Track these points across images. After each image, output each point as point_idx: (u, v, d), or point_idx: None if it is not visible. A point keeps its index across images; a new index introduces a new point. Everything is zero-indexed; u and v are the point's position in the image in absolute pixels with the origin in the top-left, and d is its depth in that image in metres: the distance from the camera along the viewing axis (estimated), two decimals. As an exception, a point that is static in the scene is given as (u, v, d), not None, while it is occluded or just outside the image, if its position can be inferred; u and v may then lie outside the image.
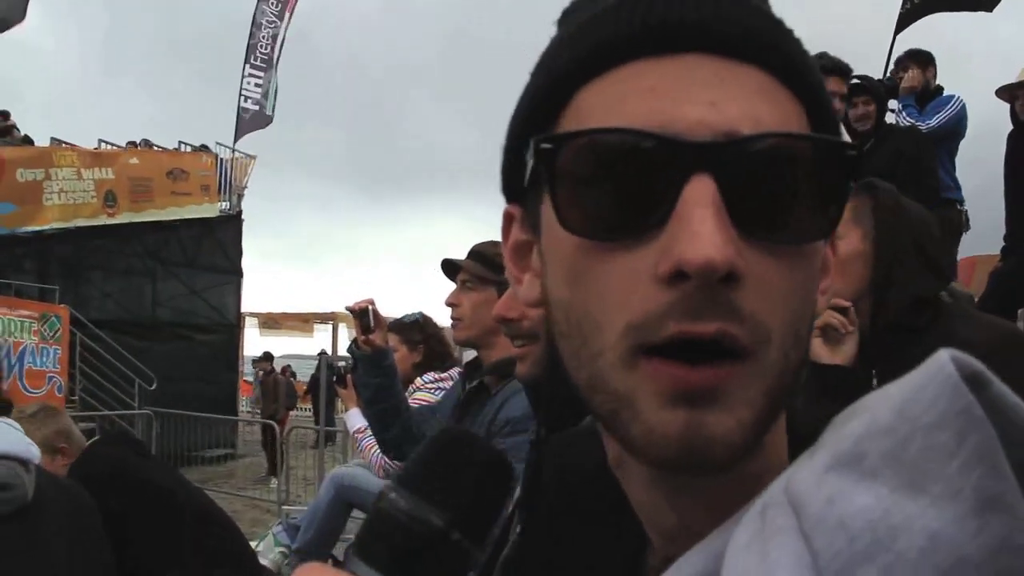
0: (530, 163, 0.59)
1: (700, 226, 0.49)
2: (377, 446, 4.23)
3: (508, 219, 0.70)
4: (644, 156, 0.52)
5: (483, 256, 2.74)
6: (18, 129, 16.64)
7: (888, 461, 0.40)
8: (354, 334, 3.12)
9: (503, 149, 0.67)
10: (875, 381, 2.05)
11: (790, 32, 0.57)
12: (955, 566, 0.37)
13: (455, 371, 4.09)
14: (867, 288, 2.17)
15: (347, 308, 3.11)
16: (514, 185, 0.66)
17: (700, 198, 0.50)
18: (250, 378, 21.73)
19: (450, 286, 2.85)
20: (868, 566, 0.38)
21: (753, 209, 0.52)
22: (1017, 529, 0.38)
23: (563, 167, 0.55)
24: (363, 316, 3.03)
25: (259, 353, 18.85)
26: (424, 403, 3.74)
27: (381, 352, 3.05)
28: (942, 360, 0.41)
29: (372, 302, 3.06)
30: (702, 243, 0.49)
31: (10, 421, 1.93)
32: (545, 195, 0.58)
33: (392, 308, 3.13)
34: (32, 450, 1.91)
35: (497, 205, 0.70)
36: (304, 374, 21.26)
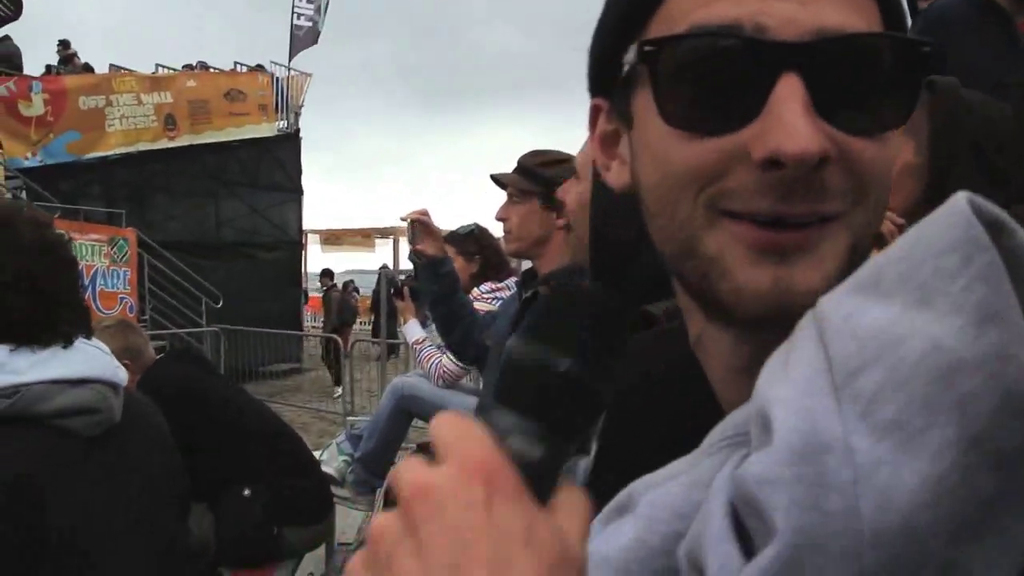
0: (628, 64, 0.64)
1: (794, 119, 0.55)
2: (434, 356, 4.32)
3: (595, 111, 0.75)
4: (738, 55, 0.57)
5: (525, 169, 2.75)
6: (79, 57, 16.82)
7: (901, 283, 0.44)
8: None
9: (591, 48, 0.72)
10: None
11: None
12: (952, 367, 0.41)
13: (512, 280, 4.13)
14: (919, 204, 2.00)
15: (401, 218, 3.15)
16: (602, 81, 0.71)
17: (791, 93, 0.56)
18: (315, 294, 22.09)
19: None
20: (874, 367, 0.43)
21: (839, 102, 0.57)
22: (1012, 340, 0.41)
23: (665, 67, 0.60)
24: (412, 227, 3.08)
25: (321, 269, 19.13)
26: (484, 313, 3.79)
27: (437, 260, 3.09)
28: (957, 199, 0.45)
29: (426, 212, 3.09)
30: (798, 135, 0.55)
31: (99, 344, 1.98)
32: (640, 91, 0.64)
33: (452, 220, 3.13)
34: (120, 373, 1.96)
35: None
36: (367, 289, 21.52)
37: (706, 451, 0.55)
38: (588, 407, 0.53)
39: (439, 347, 4.30)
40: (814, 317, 0.48)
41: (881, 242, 1.81)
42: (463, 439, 0.48)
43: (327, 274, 18.94)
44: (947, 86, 2.01)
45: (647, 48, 0.61)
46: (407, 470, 0.47)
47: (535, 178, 2.71)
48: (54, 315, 1.86)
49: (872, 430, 0.42)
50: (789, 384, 0.46)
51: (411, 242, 3.07)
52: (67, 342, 1.88)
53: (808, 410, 0.44)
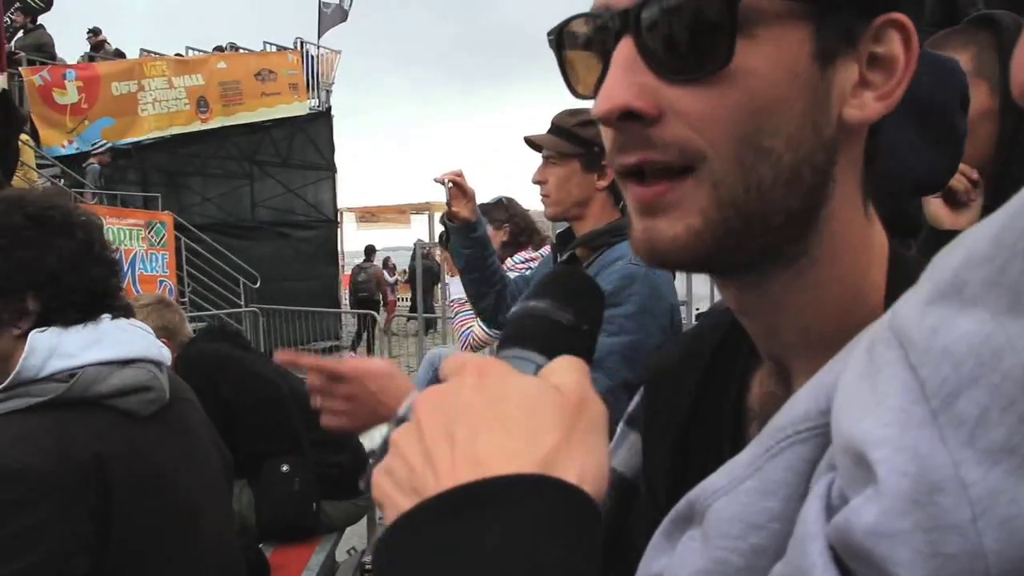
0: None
1: (608, 81, 0.62)
2: (467, 323, 4.30)
3: None
4: (598, 28, 0.65)
5: (562, 129, 2.67)
6: (109, 43, 16.95)
7: (987, 288, 0.40)
8: None
9: None
10: None
11: None
12: None
13: (546, 249, 4.11)
14: (999, 148, 1.90)
15: (435, 179, 3.07)
16: None
17: (617, 56, 0.63)
18: (350, 271, 22.24)
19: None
20: (975, 389, 0.39)
21: (663, 54, 0.61)
22: None
23: (563, 47, 0.71)
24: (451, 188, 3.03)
25: (357, 247, 19.39)
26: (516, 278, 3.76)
27: (469, 223, 3.03)
28: None
29: (460, 173, 3.02)
30: (602, 96, 0.62)
31: (142, 324, 1.99)
32: None
33: (484, 194, 3.14)
34: (164, 352, 1.98)
35: None
36: (404, 264, 21.64)
37: (766, 449, 0.53)
38: (582, 349, 0.64)
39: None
40: (893, 330, 0.44)
41: (954, 197, 1.70)
42: (461, 359, 0.57)
43: (370, 251, 19.15)
44: (1010, 22, 1.91)
45: (549, 36, 0.71)
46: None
47: (574, 139, 2.64)
48: (115, 286, 1.92)
49: (982, 458, 0.39)
50: (884, 416, 0.42)
51: (449, 203, 3.03)
52: (127, 314, 1.92)
53: (912, 448, 0.41)
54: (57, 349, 1.75)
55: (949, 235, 1.80)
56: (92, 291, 1.84)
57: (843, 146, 0.65)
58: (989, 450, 0.39)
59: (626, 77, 0.61)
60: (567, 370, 0.57)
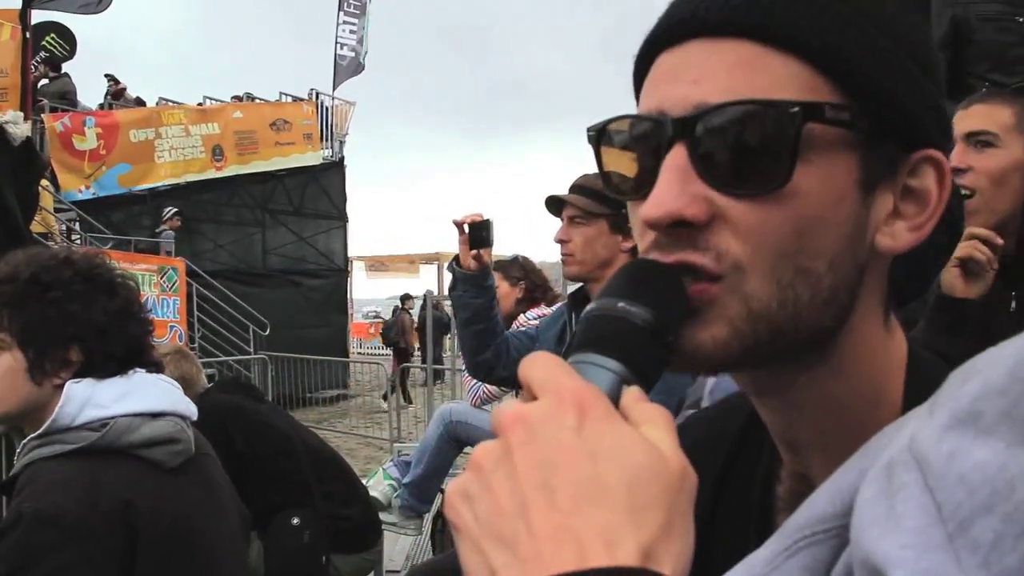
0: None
1: (659, 187, 0.64)
2: (475, 381, 4.31)
3: None
4: (648, 132, 0.67)
5: (590, 190, 2.70)
6: (130, 93, 17.21)
7: (1003, 419, 0.42)
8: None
9: None
10: (1013, 304, 1.93)
11: (855, 27, 0.64)
12: None
13: (560, 306, 4.13)
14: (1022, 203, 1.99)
15: (455, 222, 2.97)
16: None
17: (669, 163, 0.64)
18: (359, 319, 22.26)
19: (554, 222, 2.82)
20: (988, 516, 0.40)
21: (720, 165, 0.63)
22: None
23: (604, 144, 0.72)
24: (476, 229, 2.92)
25: (366, 295, 19.53)
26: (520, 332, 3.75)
27: (484, 271, 2.99)
28: None
29: (482, 216, 2.95)
30: (653, 202, 0.64)
31: (170, 379, 2.05)
32: None
33: (497, 247, 3.00)
34: (191, 407, 2.03)
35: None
36: (412, 314, 21.71)
37: (785, 548, 0.53)
38: (660, 352, 0.61)
39: None
40: (913, 455, 0.46)
41: (975, 268, 1.73)
42: (554, 373, 0.53)
43: (405, 299, 19.61)
44: None
45: (589, 132, 0.73)
46: (506, 407, 0.51)
47: (603, 199, 2.67)
48: (150, 343, 2.00)
49: None
50: (902, 538, 0.43)
51: (477, 245, 2.92)
52: (157, 369, 2.00)
53: (929, 571, 0.41)
54: (91, 399, 1.81)
55: (961, 303, 1.81)
56: (130, 347, 1.92)
57: (871, 268, 0.68)
58: (1003, 574, 0.40)
59: (679, 185, 0.63)
60: (661, 425, 0.52)
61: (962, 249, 1.82)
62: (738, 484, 0.82)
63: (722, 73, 0.64)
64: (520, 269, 4.69)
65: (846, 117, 0.63)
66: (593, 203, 2.69)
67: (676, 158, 0.64)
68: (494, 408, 0.53)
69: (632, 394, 0.55)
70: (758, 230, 0.63)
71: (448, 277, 3.21)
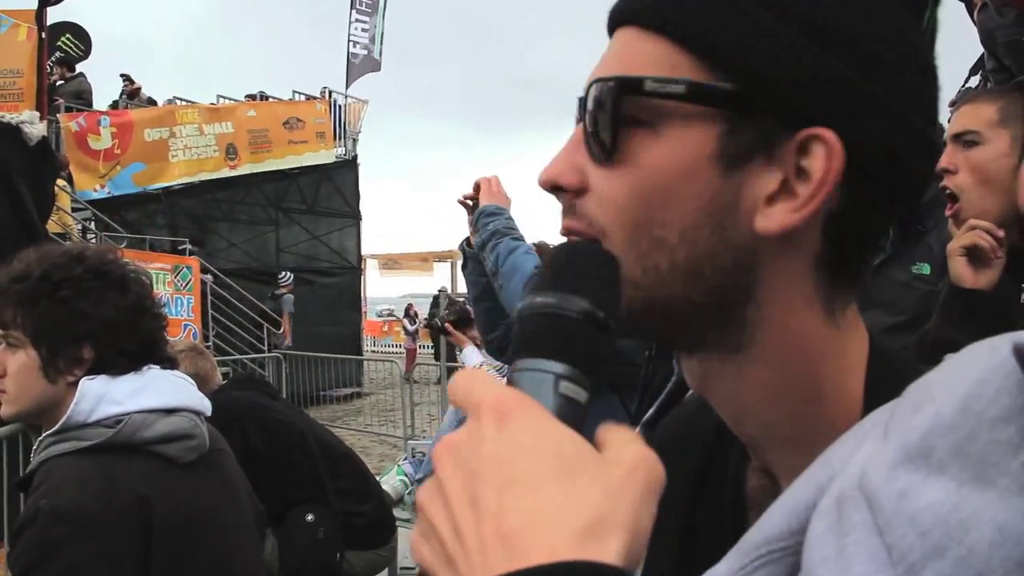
0: None
1: (553, 156, 0.71)
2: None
3: None
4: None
5: None
6: (144, 92, 17.29)
7: (954, 456, 0.41)
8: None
9: None
10: (1023, 297, 1.92)
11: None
12: None
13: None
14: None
15: (459, 201, 2.97)
16: None
17: (571, 136, 0.71)
18: (373, 317, 22.31)
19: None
20: (939, 560, 0.39)
21: (591, 139, 0.68)
22: None
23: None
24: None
25: (381, 294, 19.58)
26: None
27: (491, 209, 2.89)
28: (1003, 353, 0.42)
29: (496, 180, 2.92)
30: (543, 168, 0.71)
31: (184, 375, 2.06)
32: None
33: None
34: (205, 403, 2.04)
35: None
36: (425, 311, 21.76)
37: (741, 567, 0.52)
38: (603, 344, 0.57)
39: (497, 370, 4.30)
40: (863, 493, 0.44)
41: (978, 256, 1.72)
42: (472, 389, 0.52)
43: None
44: None
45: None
46: (441, 440, 0.51)
47: None
48: (163, 338, 2.00)
49: None
50: None
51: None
52: (171, 365, 2.01)
53: None
54: (106, 396, 1.82)
55: (971, 293, 1.81)
56: (143, 342, 1.92)
57: (775, 251, 0.66)
58: None
59: (566, 154, 0.70)
60: (623, 439, 0.51)
61: (965, 237, 1.81)
62: (714, 482, 0.82)
63: (609, 57, 0.70)
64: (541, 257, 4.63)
65: (677, 90, 0.63)
66: None
67: (576, 131, 0.70)
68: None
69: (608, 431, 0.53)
70: (609, 198, 0.67)
71: (461, 275, 3.18)
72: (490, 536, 0.45)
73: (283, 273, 16.16)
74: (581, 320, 0.56)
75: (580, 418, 0.53)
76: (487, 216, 2.76)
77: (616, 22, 0.71)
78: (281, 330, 15.07)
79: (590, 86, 0.68)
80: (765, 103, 0.63)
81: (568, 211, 0.70)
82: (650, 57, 0.66)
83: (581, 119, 0.69)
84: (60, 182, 11.31)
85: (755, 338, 0.68)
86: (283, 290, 15.73)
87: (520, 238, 2.72)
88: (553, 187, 0.70)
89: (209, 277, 14.06)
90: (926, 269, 2.36)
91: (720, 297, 0.66)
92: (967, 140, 1.98)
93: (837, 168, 0.62)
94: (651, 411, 1.29)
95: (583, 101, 0.69)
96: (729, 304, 0.67)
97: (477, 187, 2.89)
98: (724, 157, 0.64)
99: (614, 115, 0.66)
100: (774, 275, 0.66)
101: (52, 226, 10.41)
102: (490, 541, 0.45)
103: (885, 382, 0.62)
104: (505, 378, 0.58)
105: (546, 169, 0.70)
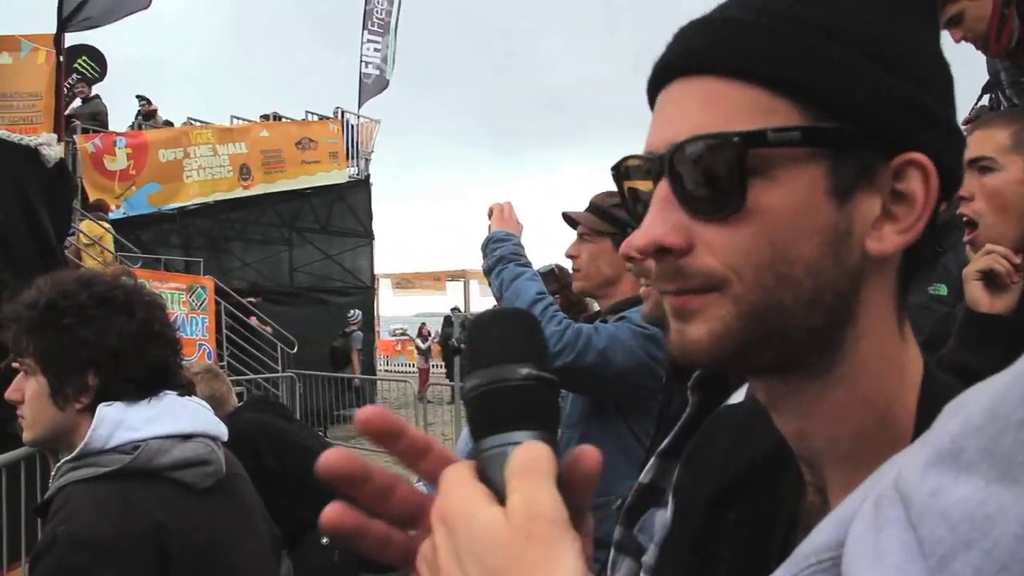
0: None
1: (647, 218, 0.71)
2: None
3: None
4: (646, 169, 0.74)
5: (598, 208, 2.74)
6: (160, 115, 17.44)
7: (982, 456, 0.43)
8: (486, 289, 3.04)
9: None
10: None
11: (752, 30, 0.69)
12: None
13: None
14: None
15: (488, 213, 2.96)
16: None
17: (656, 196, 0.71)
18: (386, 337, 22.35)
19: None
20: (967, 552, 0.42)
21: (691, 196, 0.69)
22: None
23: (623, 179, 0.80)
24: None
25: (394, 313, 19.74)
26: None
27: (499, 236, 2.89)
28: None
29: (509, 206, 2.93)
30: (640, 232, 0.71)
31: (200, 401, 2.06)
32: None
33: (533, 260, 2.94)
34: (221, 428, 2.04)
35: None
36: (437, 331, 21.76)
37: (791, 575, 0.54)
38: (553, 397, 0.59)
39: None
40: (898, 492, 0.47)
41: (994, 281, 1.72)
42: (450, 500, 0.56)
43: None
44: None
45: (612, 170, 0.81)
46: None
47: (608, 218, 2.70)
48: (176, 363, 1.98)
49: None
50: (885, 573, 0.45)
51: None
52: (186, 391, 2.00)
53: None
54: (123, 422, 1.82)
55: (987, 318, 1.80)
56: (151, 368, 1.91)
57: (871, 272, 0.70)
58: None
59: (661, 215, 0.70)
60: (523, 482, 0.55)
61: (982, 262, 1.80)
62: (757, 499, 0.84)
63: (692, 110, 0.70)
64: (556, 282, 4.59)
65: (794, 137, 0.66)
66: (599, 221, 2.73)
67: (661, 191, 0.71)
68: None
69: (513, 461, 0.56)
70: (732, 250, 0.68)
71: (474, 295, 3.20)
72: None
73: (352, 312, 16.94)
74: (529, 384, 0.57)
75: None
76: (495, 242, 2.79)
77: (680, 71, 0.72)
78: (350, 366, 15.71)
79: (683, 144, 0.69)
80: (863, 136, 0.67)
81: (670, 274, 0.71)
82: (744, 107, 0.69)
83: (665, 177, 0.70)
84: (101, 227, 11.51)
85: (847, 356, 0.71)
86: (353, 327, 16.48)
87: (526, 264, 2.74)
88: (659, 250, 0.70)
89: (253, 299, 14.35)
90: (943, 290, 2.35)
91: (833, 320, 0.70)
92: (982, 166, 1.98)
93: (935, 187, 0.68)
94: (667, 441, 1.28)
95: (664, 160, 0.70)
96: (838, 325, 0.70)
97: (491, 213, 2.91)
98: (836, 191, 0.68)
99: (739, 169, 0.67)
100: (870, 293, 0.71)
101: (90, 261, 10.52)
102: None
103: (937, 399, 0.63)
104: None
105: (644, 234, 0.70)
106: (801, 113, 0.67)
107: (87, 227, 12.51)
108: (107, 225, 13.11)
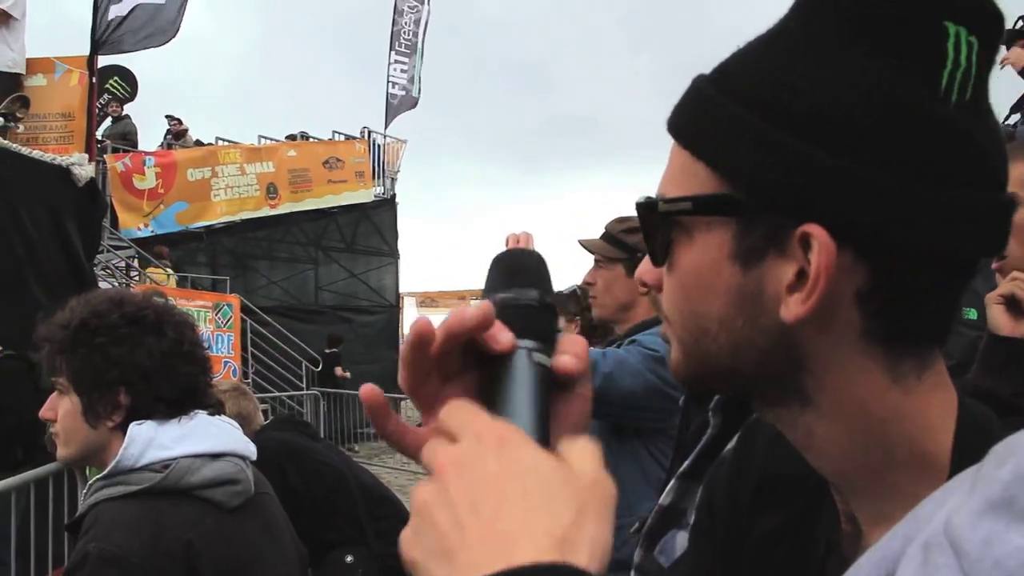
0: None
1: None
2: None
3: None
4: None
5: (609, 235, 2.76)
6: (190, 133, 17.63)
7: None
8: None
9: None
10: None
11: (713, 107, 0.70)
12: None
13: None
14: None
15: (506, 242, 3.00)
16: None
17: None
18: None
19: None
20: None
21: (648, 245, 0.78)
22: None
23: None
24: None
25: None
26: None
27: None
28: None
29: (528, 237, 2.94)
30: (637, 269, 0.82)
31: (229, 420, 2.09)
32: None
33: (554, 281, 2.92)
34: (250, 447, 2.06)
35: (655, 167, 0.84)
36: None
37: None
38: (553, 322, 0.71)
39: None
40: (948, 538, 0.47)
41: (1017, 306, 1.71)
42: (472, 418, 0.60)
43: None
44: None
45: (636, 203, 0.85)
46: (434, 450, 0.59)
47: (619, 244, 2.72)
48: (205, 383, 2.01)
49: None
50: None
51: None
52: (216, 410, 2.02)
53: None
54: (154, 441, 1.84)
55: (1010, 341, 1.79)
56: (181, 387, 1.93)
57: (812, 332, 0.68)
58: None
59: (647, 263, 0.80)
60: (584, 455, 0.59)
61: (1005, 287, 1.80)
62: (800, 509, 0.85)
63: (668, 175, 0.76)
64: (577, 304, 4.60)
65: (685, 206, 0.71)
66: (610, 248, 2.75)
67: None
68: (425, 450, 0.58)
69: (570, 447, 0.61)
70: (667, 298, 0.77)
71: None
72: (488, 534, 0.52)
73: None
74: (535, 305, 0.69)
75: (548, 376, 0.66)
76: None
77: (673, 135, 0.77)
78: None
79: (638, 202, 0.77)
80: (760, 205, 0.68)
81: (655, 303, 0.78)
82: (681, 172, 0.74)
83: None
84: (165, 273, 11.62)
85: (817, 400, 0.71)
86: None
87: None
88: (643, 283, 0.81)
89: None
90: (973, 314, 2.34)
91: (767, 369, 0.72)
92: None
93: (827, 261, 0.64)
94: (688, 462, 1.29)
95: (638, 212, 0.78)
96: (780, 375, 0.71)
97: (507, 243, 2.93)
98: (740, 255, 0.70)
99: (663, 229, 0.75)
100: (819, 351, 0.69)
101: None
102: (488, 538, 0.52)
103: (973, 443, 0.64)
104: None
105: (638, 269, 0.82)
106: (715, 179, 0.70)
107: (152, 273, 13.04)
108: (170, 271, 13.65)
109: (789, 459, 0.85)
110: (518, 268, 0.73)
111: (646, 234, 0.78)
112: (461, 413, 0.61)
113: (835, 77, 0.64)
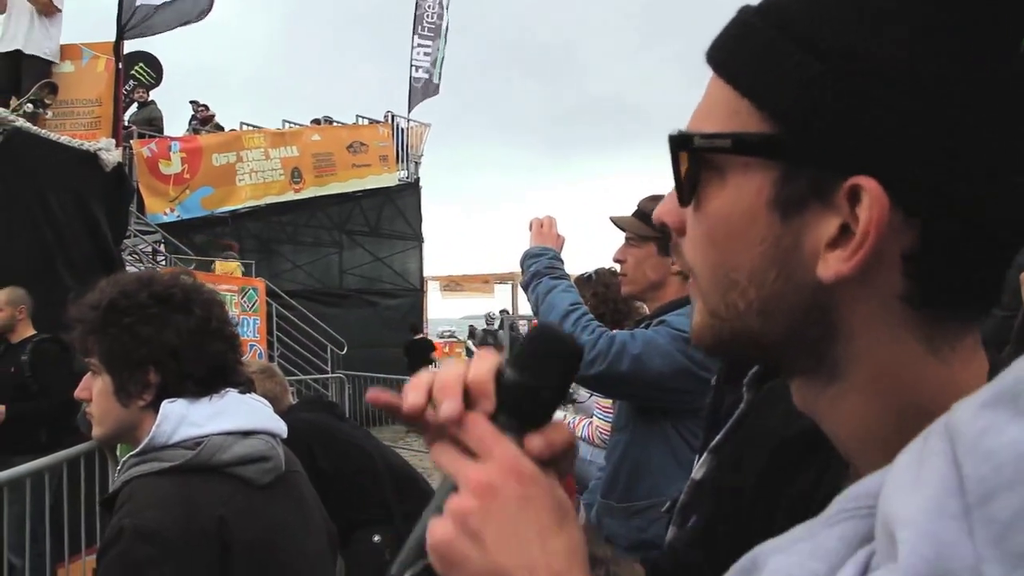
0: None
1: (665, 197, 0.76)
2: (583, 421, 4.29)
3: None
4: None
5: (642, 213, 2.74)
6: (219, 122, 17.71)
7: None
8: None
9: None
10: None
11: (764, 41, 0.65)
12: None
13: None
14: None
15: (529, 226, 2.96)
16: None
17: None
18: (434, 339, 22.42)
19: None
20: (1009, 493, 0.41)
21: (676, 184, 0.72)
22: None
23: None
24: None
25: (442, 315, 19.79)
26: None
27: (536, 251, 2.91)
28: None
29: (552, 221, 2.93)
30: (656, 208, 0.77)
31: (260, 398, 2.11)
32: None
33: (573, 267, 2.98)
34: (280, 425, 2.08)
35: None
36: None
37: (827, 518, 0.55)
38: (530, 405, 0.75)
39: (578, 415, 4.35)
40: (947, 428, 0.46)
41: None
42: (497, 445, 0.70)
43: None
44: None
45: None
46: (456, 463, 0.73)
47: (651, 222, 2.70)
48: (235, 360, 2.02)
49: (1005, 559, 0.41)
50: (918, 502, 0.45)
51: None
52: (247, 388, 2.04)
53: (935, 535, 0.43)
54: (186, 418, 1.87)
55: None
56: (210, 365, 1.95)
57: (851, 293, 0.64)
58: (1014, 553, 0.40)
59: (671, 197, 0.74)
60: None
61: None
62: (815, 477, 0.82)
63: (701, 103, 0.72)
64: (589, 288, 4.50)
65: (724, 144, 0.66)
66: (642, 226, 2.73)
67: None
68: (440, 455, 0.60)
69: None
70: (692, 245, 0.72)
71: (521, 298, 3.21)
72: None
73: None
74: (513, 385, 0.74)
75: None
76: (530, 258, 2.81)
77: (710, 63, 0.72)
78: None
79: (670, 135, 0.71)
80: (809, 151, 0.62)
81: (674, 249, 0.77)
82: (718, 104, 0.69)
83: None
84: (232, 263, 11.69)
85: (848, 370, 0.67)
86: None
87: (561, 276, 2.75)
88: (661, 224, 0.76)
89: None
90: None
91: (798, 335, 0.67)
92: None
93: (879, 217, 0.60)
94: (719, 436, 1.29)
95: (669, 144, 0.72)
96: (810, 341, 0.67)
97: (531, 227, 2.93)
98: (779, 203, 0.64)
99: (690, 167, 0.69)
100: (855, 314, 0.65)
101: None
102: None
103: None
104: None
105: (657, 207, 0.76)
106: (760, 119, 0.64)
107: (220, 266, 13.23)
108: (237, 262, 13.89)
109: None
110: (530, 348, 0.77)
111: (675, 171, 0.70)
112: (482, 433, 0.71)
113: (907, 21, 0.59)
